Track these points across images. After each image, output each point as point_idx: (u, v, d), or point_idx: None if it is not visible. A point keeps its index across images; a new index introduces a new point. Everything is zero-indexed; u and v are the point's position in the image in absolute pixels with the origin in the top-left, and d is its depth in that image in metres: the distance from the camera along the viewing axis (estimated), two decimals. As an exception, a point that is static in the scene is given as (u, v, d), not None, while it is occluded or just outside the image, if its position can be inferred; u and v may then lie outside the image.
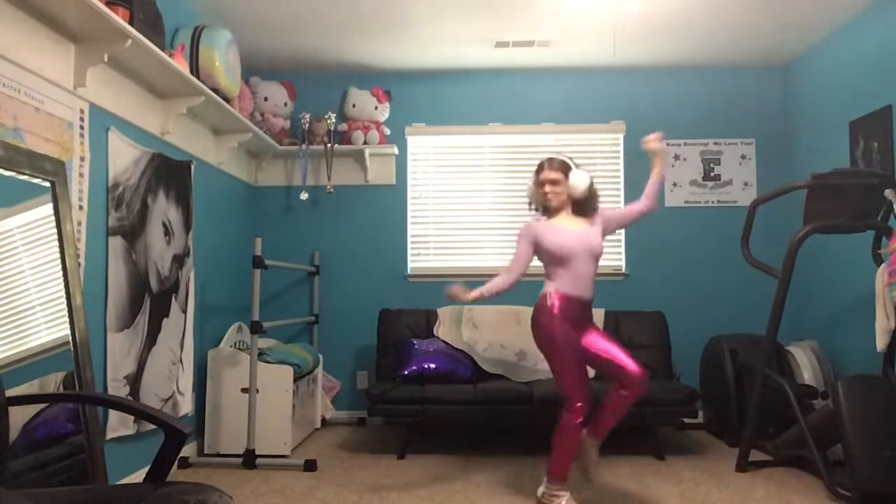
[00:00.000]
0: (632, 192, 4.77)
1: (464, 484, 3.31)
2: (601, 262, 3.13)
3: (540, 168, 3.03)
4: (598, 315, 4.34)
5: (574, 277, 2.94)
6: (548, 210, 3.05)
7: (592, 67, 4.80)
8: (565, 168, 2.99)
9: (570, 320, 2.91)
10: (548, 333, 2.92)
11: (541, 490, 2.98)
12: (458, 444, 4.08)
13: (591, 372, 3.14)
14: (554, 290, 2.94)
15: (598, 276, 3.08)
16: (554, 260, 2.95)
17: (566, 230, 2.97)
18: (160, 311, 3.32)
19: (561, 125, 4.83)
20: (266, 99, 4.59)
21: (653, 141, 3.09)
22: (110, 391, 2.88)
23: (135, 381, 3.09)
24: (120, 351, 2.97)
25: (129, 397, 3.03)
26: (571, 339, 2.90)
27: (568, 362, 2.90)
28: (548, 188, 2.97)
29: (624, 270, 4.78)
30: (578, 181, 2.96)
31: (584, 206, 3.02)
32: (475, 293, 2.89)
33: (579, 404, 2.86)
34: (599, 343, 2.96)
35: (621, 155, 4.84)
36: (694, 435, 4.35)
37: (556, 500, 2.91)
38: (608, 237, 3.16)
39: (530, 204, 3.15)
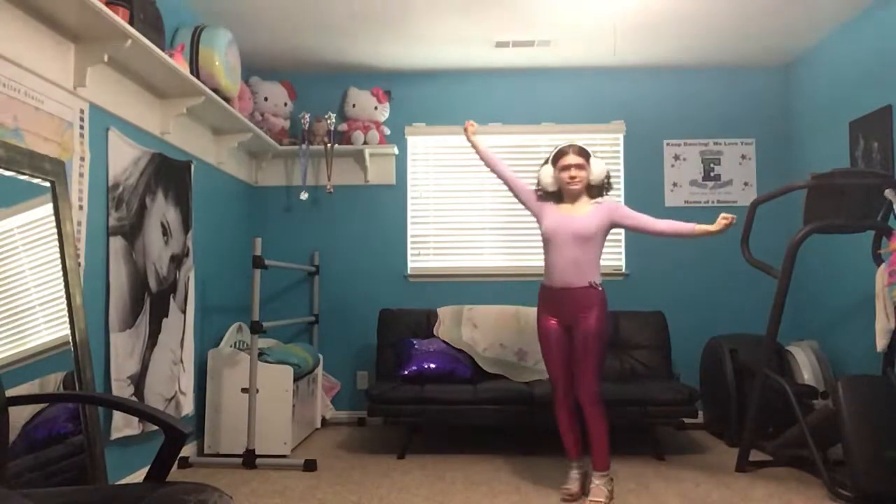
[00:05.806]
0: (632, 192, 4.78)
1: (464, 484, 3.31)
2: (603, 263, 3.14)
3: (563, 153, 3.08)
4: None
5: (551, 266, 3.07)
6: (561, 195, 3.12)
7: (592, 67, 4.80)
8: (587, 154, 3.10)
9: (549, 311, 3.08)
10: (537, 321, 3.15)
11: None
12: (458, 444, 4.08)
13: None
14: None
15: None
16: (543, 244, 3.11)
17: (557, 213, 3.09)
18: (160, 311, 3.32)
19: (561, 125, 4.83)
20: (266, 99, 4.59)
21: (728, 219, 2.93)
22: (114, 391, 2.88)
23: (139, 381, 3.09)
24: (123, 351, 2.97)
25: (134, 397, 3.03)
26: (551, 328, 3.07)
27: (546, 351, 3.10)
28: (574, 172, 3.04)
29: (624, 270, 4.78)
30: (599, 167, 3.10)
31: (596, 191, 3.14)
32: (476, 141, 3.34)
33: (558, 393, 3.08)
34: (577, 343, 3.00)
35: (621, 155, 4.85)
36: (694, 435, 4.35)
37: (567, 472, 3.16)
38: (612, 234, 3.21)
39: (538, 188, 3.20)
